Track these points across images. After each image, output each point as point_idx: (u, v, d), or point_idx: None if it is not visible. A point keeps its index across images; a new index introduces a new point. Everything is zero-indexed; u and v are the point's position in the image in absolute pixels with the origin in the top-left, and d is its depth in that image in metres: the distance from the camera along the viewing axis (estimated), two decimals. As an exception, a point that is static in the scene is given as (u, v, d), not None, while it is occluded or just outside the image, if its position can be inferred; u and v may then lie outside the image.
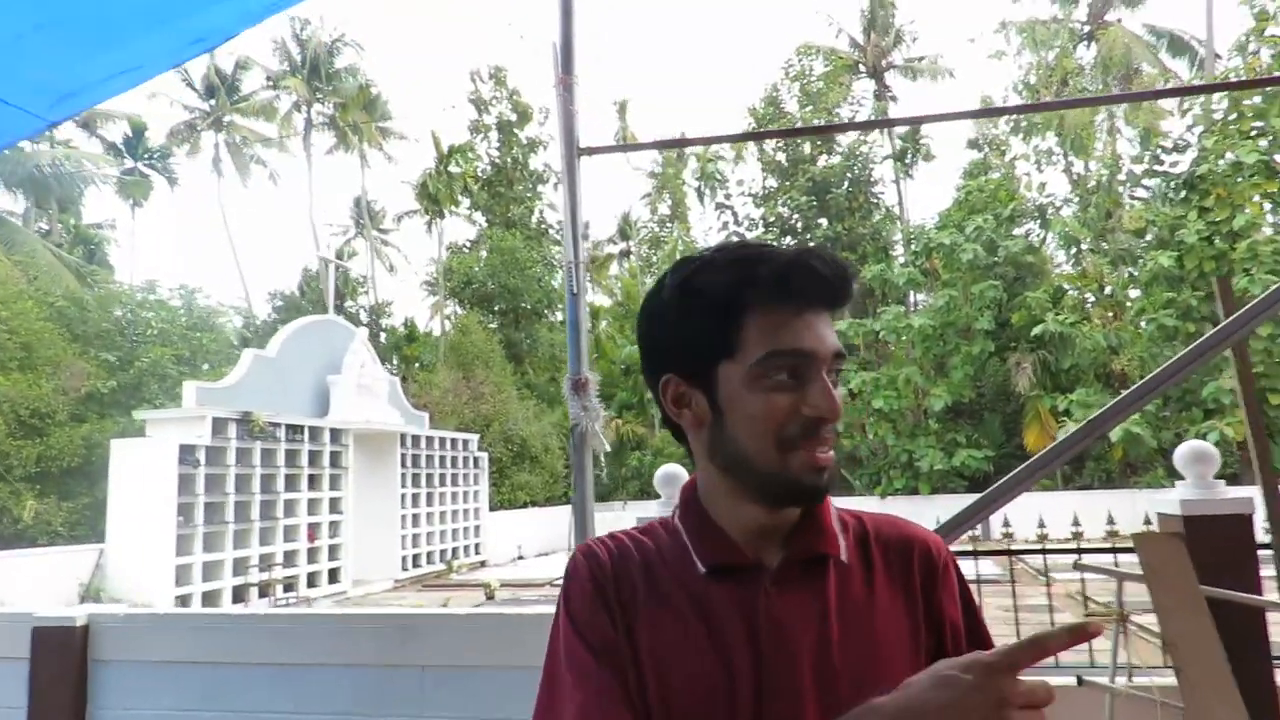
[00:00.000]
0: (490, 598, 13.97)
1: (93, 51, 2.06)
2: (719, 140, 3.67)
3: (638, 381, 28.63)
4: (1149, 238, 21.84)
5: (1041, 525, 3.54)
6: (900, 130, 30.36)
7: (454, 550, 18.59)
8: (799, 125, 29.60)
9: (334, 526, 15.02)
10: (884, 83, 32.51)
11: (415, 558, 17.18)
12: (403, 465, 16.91)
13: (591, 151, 3.62)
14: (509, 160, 36.08)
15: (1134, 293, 22.73)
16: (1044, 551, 3.53)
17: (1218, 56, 24.23)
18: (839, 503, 1.02)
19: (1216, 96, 20.76)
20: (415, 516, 17.23)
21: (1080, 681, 3.12)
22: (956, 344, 23.86)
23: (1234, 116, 20.36)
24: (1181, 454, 3.30)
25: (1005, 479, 3.03)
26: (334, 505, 15.01)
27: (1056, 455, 3.01)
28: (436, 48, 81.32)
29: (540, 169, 36.47)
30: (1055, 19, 25.98)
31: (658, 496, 4.15)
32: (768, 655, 0.88)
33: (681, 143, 3.63)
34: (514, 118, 35.74)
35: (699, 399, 0.93)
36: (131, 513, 11.99)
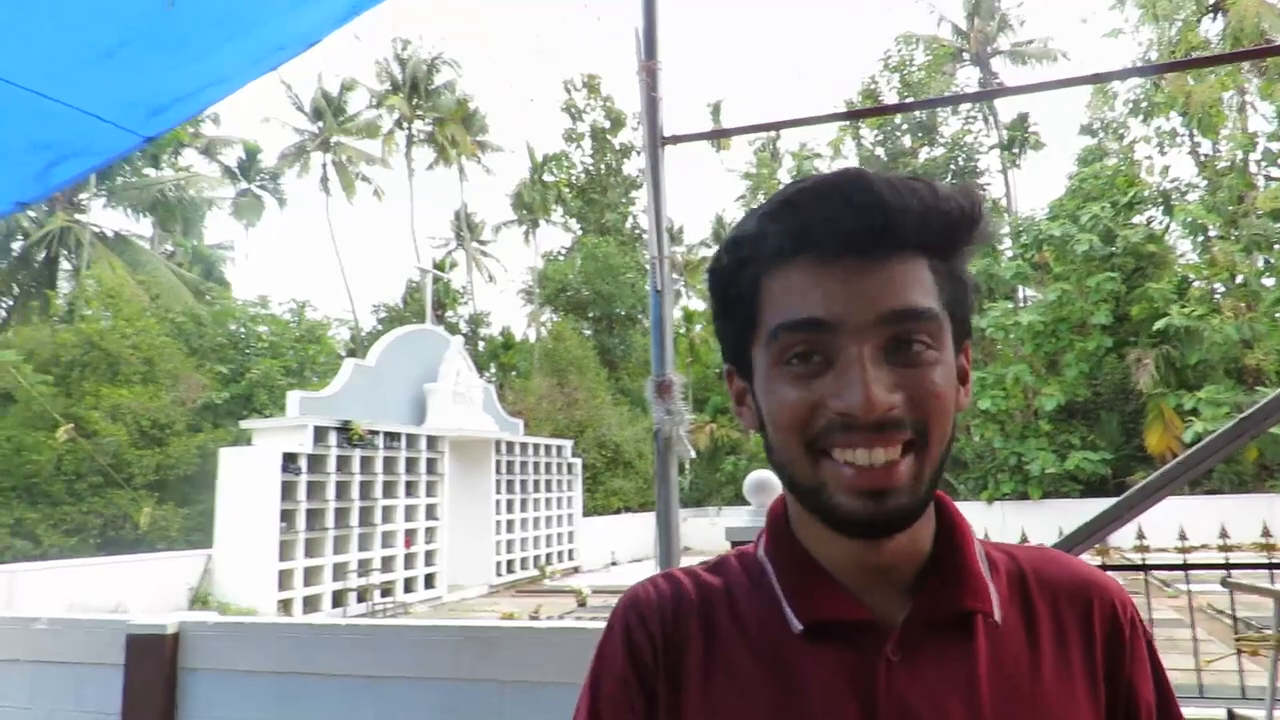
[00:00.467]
0: (582, 604, 13.91)
1: (179, 64, 2.08)
2: (809, 122, 3.42)
3: (732, 385, 28.28)
4: (1287, 221, 20.21)
5: (1183, 537, 3.13)
6: (1007, 119, 29.12)
7: (548, 556, 18.65)
8: (897, 119, 28.72)
9: (430, 533, 15.25)
10: (990, 70, 31.27)
11: (509, 563, 17.30)
12: (497, 472, 17.07)
13: (676, 140, 3.42)
14: (602, 167, 36.42)
15: (1269, 281, 21.08)
16: (1186, 568, 3.12)
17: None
18: None
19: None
20: (509, 523, 17.36)
21: (1231, 716, 2.74)
22: (1070, 340, 22.61)
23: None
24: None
25: (1144, 483, 2.67)
26: (430, 511, 15.25)
27: (1206, 456, 2.63)
28: (532, 56, 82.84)
29: (633, 174, 36.64)
30: (1178, -11, 24.37)
31: (748, 505, 3.92)
32: None
33: (768, 126, 3.39)
34: (607, 124, 36.03)
35: (749, 393, 0.72)
36: (238, 519, 12.41)
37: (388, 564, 14.11)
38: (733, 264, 0.69)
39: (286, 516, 12.31)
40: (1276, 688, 2.76)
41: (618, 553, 21.19)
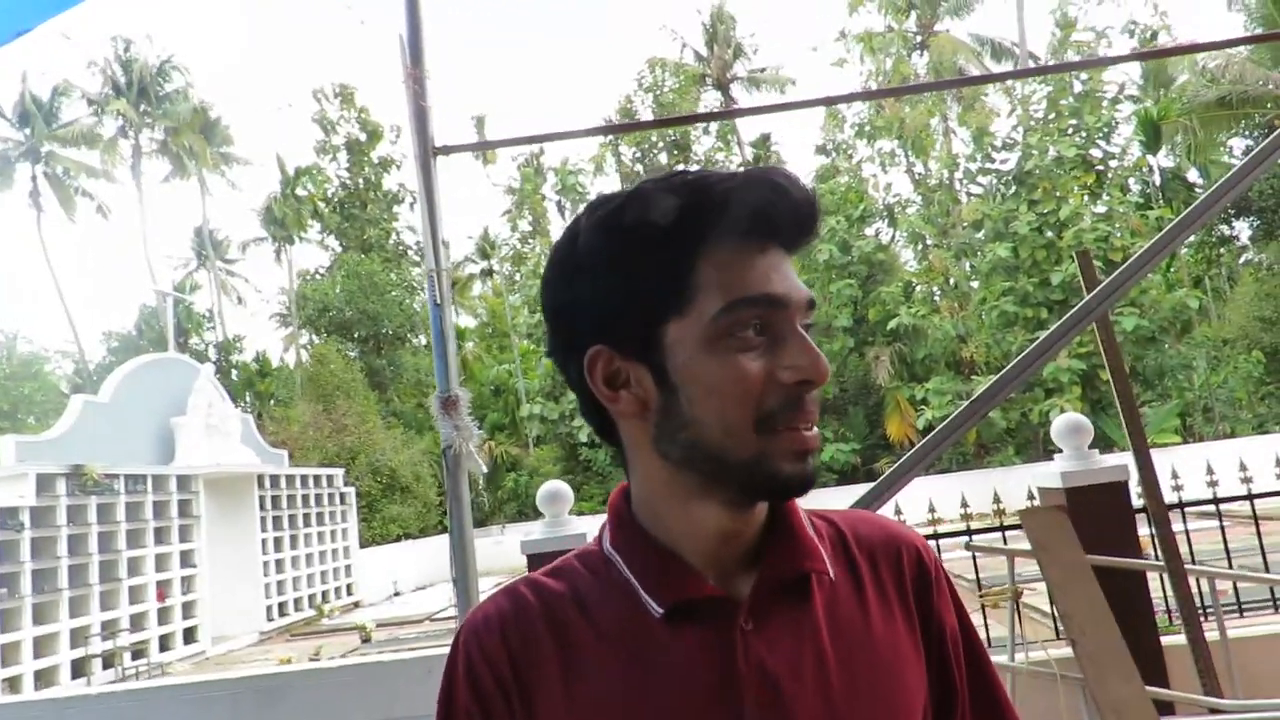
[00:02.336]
0: (366, 640, 13.23)
1: None
2: (577, 135, 3.50)
3: (508, 402, 28.19)
4: (985, 231, 23.25)
5: (932, 510, 3.53)
6: (750, 139, 31.26)
7: (324, 594, 17.58)
8: (653, 137, 29.93)
9: (187, 582, 13.86)
10: (730, 95, 33.38)
11: (281, 606, 16.12)
12: (261, 508, 15.85)
13: (448, 150, 3.37)
14: (360, 181, 34.93)
15: (976, 284, 24.13)
16: (936, 537, 3.52)
17: (1035, 57, 26.17)
18: None
19: (1035, 97, 22.40)
20: (279, 562, 16.18)
21: (982, 664, 3.10)
22: (819, 342, 24.40)
23: (1053, 116, 22.00)
24: (1060, 427, 3.34)
25: (897, 465, 2.97)
26: (185, 558, 13.85)
27: (943, 439, 2.97)
28: (281, 67, 77.85)
29: (394, 189, 35.45)
30: (889, 28, 27.38)
31: (539, 517, 3.91)
32: (755, 717, 0.68)
33: (538, 139, 3.42)
34: (364, 137, 34.63)
35: (640, 374, 0.70)
36: (-58, 590, 10.62)
37: (138, 622, 12.63)
38: (660, 236, 0.68)
39: (7, 581, 10.68)
40: (1016, 633, 3.14)
41: (400, 582, 20.38)
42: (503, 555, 16.81)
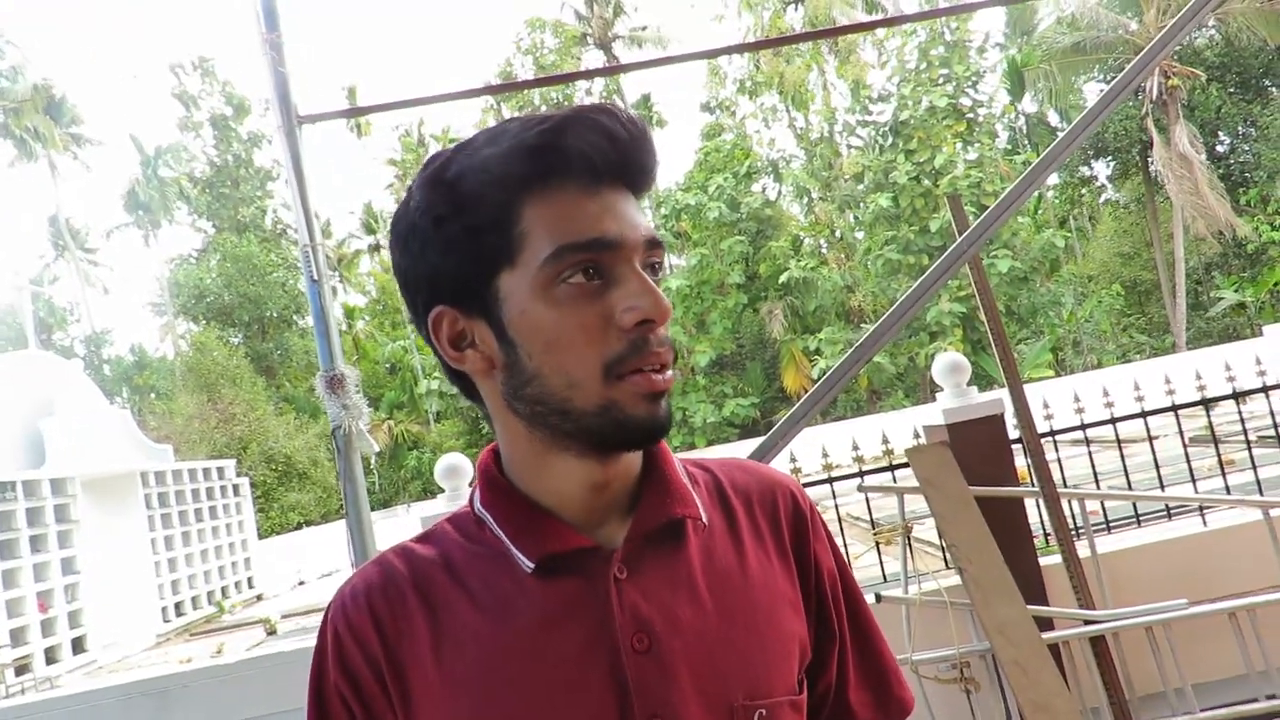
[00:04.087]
0: (271, 633, 12.83)
1: None
2: (449, 98, 3.39)
3: (405, 379, 27.60)
4: (867, 182, 23.91)
5: (825, 455, 3.63)
6: (633, 100, 31.12)
7: (223, 589, 16.95)
8: (536, 99, 29.46)
9: (70, 590, 13.10)
10: (612, 54, 33.12)
11: (178, 605, 15.46)
12: (148, 507, 15.09)
13: (314, 119, 3.22)
14: (230, 158, 33.23)
15: (860, 234, 24.85)
16: (830, 480, 3.63)
17: (901, 10, 26.87)
18: None
19: (907, 49, 23.05)
20: (171, 561, 15.48)
21: (879, 598, 3.23)
22: (713, 300, 24.99)
23: (924, 66, 22.70)
24: (939, 366, 3.47)
25: (788, 415, 3.03)
26: (67, 566, 13.08)
27: (830, 386, 3.05)
28: (131, 41, 72.68)
29: (267, 165, 33.87)
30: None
31: (442, 492, 3.84)
32: (633, 665, 0.67)
33: (408, 103, 3.31)
34: (229, 111, 32.87)
35: (483, 332, 0.69)
36: None
37: (19, 637, 11.90)
38: (478, 187, 0.66)
39: None
40: (909, 566, 3.27)
41: (304, 571, 19.86)
42: (410, 535, 16.60)
